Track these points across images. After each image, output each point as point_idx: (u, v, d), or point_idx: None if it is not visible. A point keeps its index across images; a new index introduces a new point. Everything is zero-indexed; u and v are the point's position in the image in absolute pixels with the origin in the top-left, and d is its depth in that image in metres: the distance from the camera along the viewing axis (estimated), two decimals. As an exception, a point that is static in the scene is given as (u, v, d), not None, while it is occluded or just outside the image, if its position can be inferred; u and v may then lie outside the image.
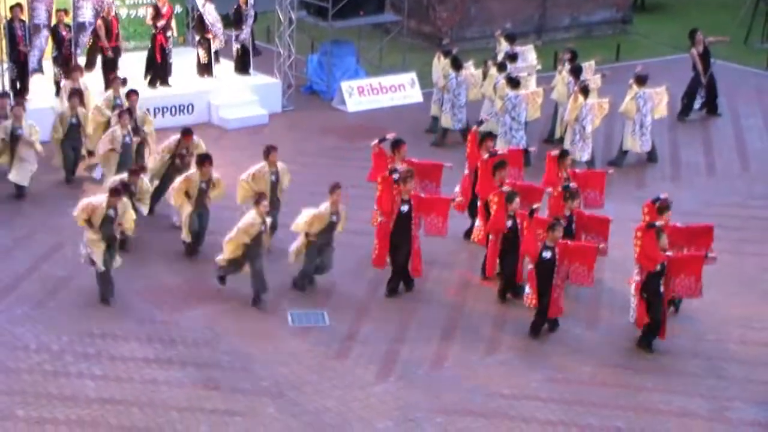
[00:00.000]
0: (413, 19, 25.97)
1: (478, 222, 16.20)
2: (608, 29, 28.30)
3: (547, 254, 14.08)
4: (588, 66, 21.13)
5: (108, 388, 13.05)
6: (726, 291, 15.30)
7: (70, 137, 18.09)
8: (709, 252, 14.43)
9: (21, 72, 20.23)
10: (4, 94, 18.67)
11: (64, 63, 20.36)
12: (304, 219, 14.89)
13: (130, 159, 17.13)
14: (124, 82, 18.97)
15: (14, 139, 17.36)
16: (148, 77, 21.53)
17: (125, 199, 14.85)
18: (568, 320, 14.56)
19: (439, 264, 15.97)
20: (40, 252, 16.21)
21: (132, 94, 18.05)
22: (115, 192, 14.54)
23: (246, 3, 22.27)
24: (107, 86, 20.84)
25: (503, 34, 22.64)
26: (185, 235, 15.89)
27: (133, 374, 13.35)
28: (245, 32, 22.37)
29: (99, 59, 21.12)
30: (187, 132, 17.10)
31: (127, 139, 17.10)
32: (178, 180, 16.00)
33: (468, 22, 26.75)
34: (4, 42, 19.76)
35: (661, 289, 13.97)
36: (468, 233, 16.69)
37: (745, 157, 21.13)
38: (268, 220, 14.82)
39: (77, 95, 18.24)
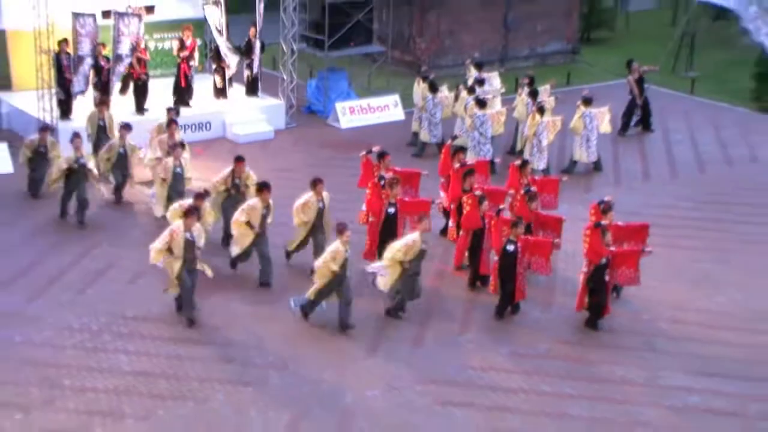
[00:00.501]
0: (396, 50, 26.01)
1: (451, 223, 16.23)
2: (560, 58, 28.37)
3: (510, 247, 14.11)
4: (544, 89, 21.17)
5: (139, 362, 13.04)
6: (659, 279, 15.31)
7: (119, 164, 17.45)
8: (646, 246, 14.53)
9: (66, 96, 20.14)
10: (46, 127, 18.26)
11: (103, 89, 20.31)
12: (398, 249, 13.82)
13: (181, 186, 16.46)
14: (177, 112, 18.43)
15: (73, 168, 16.61)
16: (174, 99, 21.44)
17: (198, 224, 13.88)
18: (527, 304, 14.53)
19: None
20: (81, 249, 16.12)
21: (172, 123, 17.65)
22: (190, 214, 13.67)
23: (255, 36, 22.23)
24: (138, 107, 20.90)
25: (472, 63, 22.68)
26: (235, 251, 14.96)
27: (160, 351, 13.32)
28: (255, 61, 22.34)
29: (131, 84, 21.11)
30: (239, 159, 16.02)
31: (178, 170, 16.38)
32: (240, 210, 14.74)
33: (443, 52, 26.79)
34: (53, 71, 19.64)
35: (606, 278, 14.01)
36: (443, 231, 16.68)
37: (674, 166, 21.19)
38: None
39: (126, 128, 17.56)
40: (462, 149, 17.37)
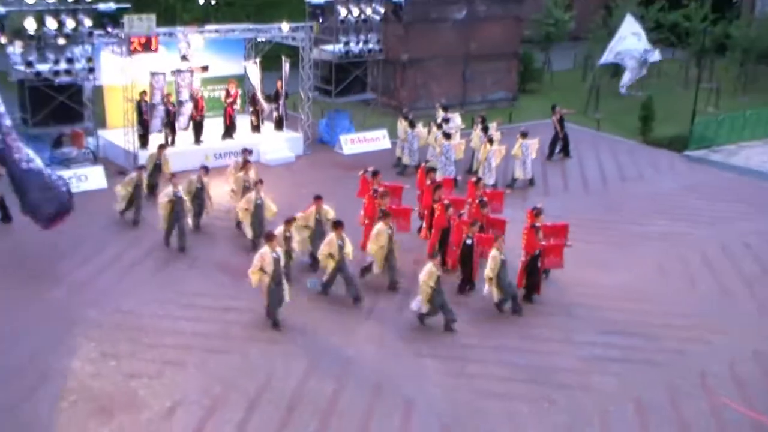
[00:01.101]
0: (384, 97, 25.96)
1: (423, 224, 16.20)
2: (504, 103, 28.33)
3: (469, 241, 14.12)
4: (492, 126, 21.14)
5: (197, 325, 13.03)
6: (576, 264, 15.24)
7: (197, 197, 16.19)
8: (567, 241, 14.55)
9: (145, 132, 20.03)
10: (142, 167, 17.09)
11: (171, 127, 20.29)
12: (490, 267, 13.31)
13: (262, 215, 15.19)
14: (250, 152, 16.95)
15: (173, 201, 15.44)
16: (222, 134, 21.38)
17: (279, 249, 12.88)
18: (481, 282, 14.30)
19: (401, 248, 15.76)
20: (154, 243, 16.01)
21: (247, 163, 16.43)
22: (270, 237, 12.75)
23: (281, 87, 22.20)
24: (196, 139, 20.82)
25: (440, 106, 22.62)
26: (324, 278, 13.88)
27: (213, 317, 13.31)
28: (281, 105, 22.32)
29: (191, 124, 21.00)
30: (318, 197, 14.67)
31: (259, 201, 15.17)
32: (323, 245, 13.57)
33: (419, 98, 26.75)
34: (135, 114, 19.59)
35: (538, 264, 14.03)
36: (419, 230, 16.65)
37: (587, 182, 21.15)
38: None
39: (204, 170, 16.31)
40: (433, 170, 17.35)
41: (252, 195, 15.44)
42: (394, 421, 10.93)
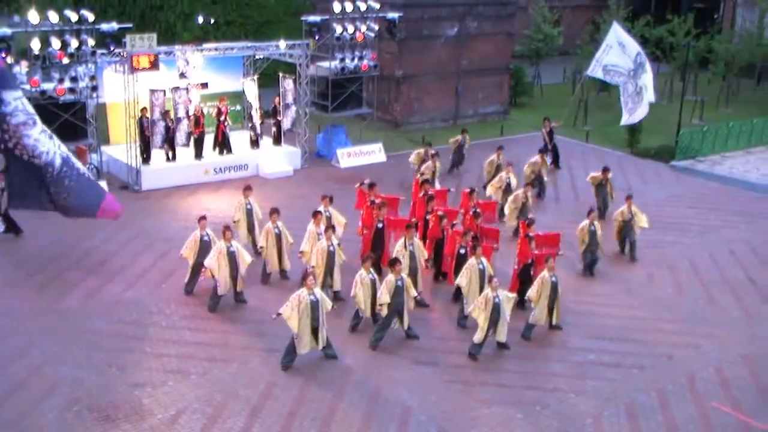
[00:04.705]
0: (379, 111, 26.06)
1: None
2: (496, 117, 28.50)
3: (462, 251, 14.11)
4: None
5: (198, 335, 13.01)
6: (567, 272, 15.36)
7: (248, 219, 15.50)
8: (558, 250, 14.56)
9: (146, 147, 20.02)
10: (204, 217, 14.58)
11: (170, 142, 20.29)
12: (533, 291, 13.09)
13: (333, 261, 13.90)
14: (330, 199, 15.37)
15: (203, 245, 14.11)
16: (216, 149, 21.39)
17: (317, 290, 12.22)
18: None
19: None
20: (158, 256, 16.06)
21: (318, 214, 14.73)
22: (307, 277, 12.10)
23: (279, 102, 22.24)
24: (197, 154, 20.80)
25: (427, 143, 21.88)
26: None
27: (214, 327, 13.29)
28: (283, 120, 22.32)
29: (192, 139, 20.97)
30: (328, 228, 14.08)
31: (331, 248, 13.87)
32: (381, 292, 12.69)
33: (413, 113, 26.90)
34: (137, 130, 19.58)
35: (531, 272, 14.04)
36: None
37: (576, 192, 21.23)
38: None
39: (249, 189, 15.70)
40: (427, 182, 17.38)
41: (324, 242, 13.90)
42: (391, 427, 10.90)
